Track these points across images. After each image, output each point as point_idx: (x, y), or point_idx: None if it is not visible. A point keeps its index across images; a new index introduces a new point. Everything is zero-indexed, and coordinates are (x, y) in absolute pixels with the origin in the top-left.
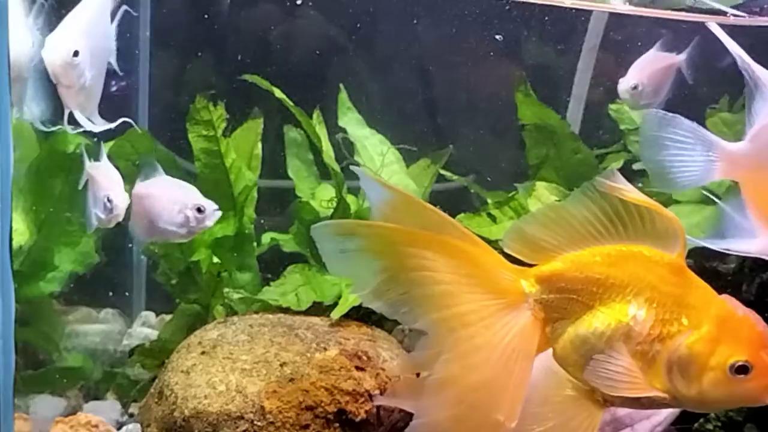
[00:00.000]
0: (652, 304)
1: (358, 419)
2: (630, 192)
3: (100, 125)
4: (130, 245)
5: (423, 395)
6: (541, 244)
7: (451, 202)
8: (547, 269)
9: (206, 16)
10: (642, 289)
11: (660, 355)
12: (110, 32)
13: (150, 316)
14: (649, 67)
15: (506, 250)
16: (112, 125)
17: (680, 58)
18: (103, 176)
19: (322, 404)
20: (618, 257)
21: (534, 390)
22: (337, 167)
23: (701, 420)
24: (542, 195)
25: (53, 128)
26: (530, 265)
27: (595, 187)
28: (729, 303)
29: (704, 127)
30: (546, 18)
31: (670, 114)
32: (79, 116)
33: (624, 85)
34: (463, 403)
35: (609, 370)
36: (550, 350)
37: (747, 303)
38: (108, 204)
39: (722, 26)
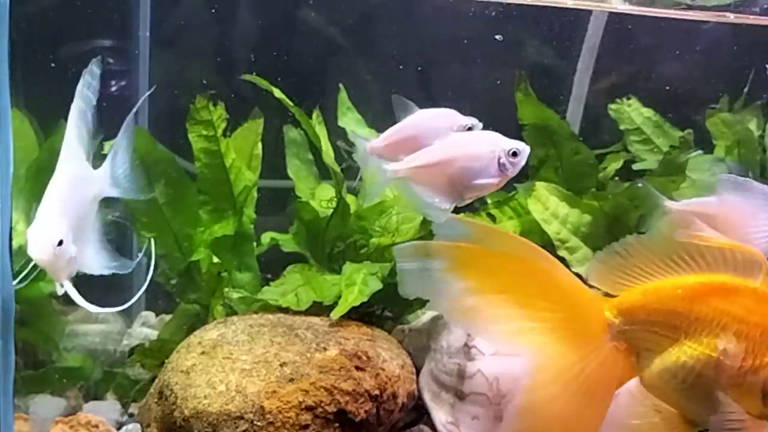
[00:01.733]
0: (740, 336)
1: (358, 419)
2: (708, 237)
3: (94, 308)
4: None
5: (503, 421)
6: (623, 275)
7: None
8: (628, 300)
9: (206, 16)
10: (729, 323)
11: (754, 385)
12: (85, 195)
13: (150, 316)
14: None
15: (589, 281)
16: (109, 310)
17: None
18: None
19: (322, 404)
20: (700, 291)
21: (622, 417)
22: (336, 167)
23: None
24: (542, 195)
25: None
26: (611, 296)
27: (674, 227)
28: None
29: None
30: (546, 18)
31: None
32: (71, 291)
33: None
34: (540, 430)
35: (732, 428)
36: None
37: None
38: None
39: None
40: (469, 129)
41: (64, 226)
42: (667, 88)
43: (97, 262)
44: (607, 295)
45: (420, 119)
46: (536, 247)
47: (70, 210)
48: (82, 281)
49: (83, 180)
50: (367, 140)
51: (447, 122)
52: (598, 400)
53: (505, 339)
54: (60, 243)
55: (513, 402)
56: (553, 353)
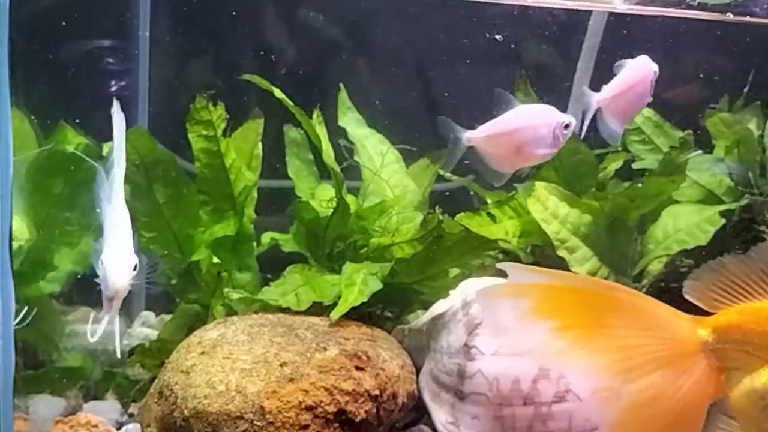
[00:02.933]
0: None
1: (357, 419)
2: None
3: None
4: None
5: None
6: (721, 293)
7: (451, 202)
8: (725, 319)
9: (206, 15)
10: None
11: None
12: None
13: (150, 316)
14: None
15: (687, 297)
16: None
17: None
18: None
19: (322, 404)
20: None
21: None
22: (336, 167)
23: None
24: (542, 195)
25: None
26: (707, 314)
27: None
28: None
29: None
30: (546, 18)
31: None
32: (107, 326)
33: None
34: None
35: None
36: None
37: None
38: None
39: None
40: (566, 126)
41: (134, 255)
42: (667, 88)
43: None
44: (703, 313)
45: (519, 114)
46: (617, 285)
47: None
48: (82, 280)
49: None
50: (464, 131)
51: (546, 119)
52: (693, 417)
53: (602, 370)
54: (135, 268)
55: (608, 422)
56: (649, 375)
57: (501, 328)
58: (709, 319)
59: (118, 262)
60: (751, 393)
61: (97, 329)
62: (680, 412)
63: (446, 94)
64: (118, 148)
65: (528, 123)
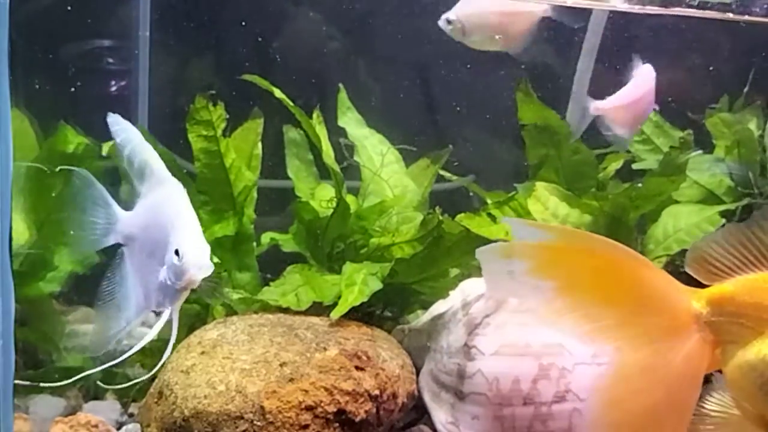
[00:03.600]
0: None
1: (357, 419)
2: None
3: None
4: None
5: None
6: (718, 265)
7: (451, 202)
8: (718, 291)
9: (206, 15)
10: None
11: None
12: None
13: (150, 316)
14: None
15: (686, 269)
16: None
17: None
18: None
19: (322, 404)
20: None
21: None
22: (336, 167)
23: None
24: (542, 195)
25: None
26: (702, 286)
27: None
28: None
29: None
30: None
31: None
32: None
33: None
34: (625, 427)
35: None
36: None
37: None
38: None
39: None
40: None
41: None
42: (667, 87)
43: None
44: (701, 285)
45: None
46: (617, 243)
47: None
48: (82, 280)
49: None
50: (592, 100)
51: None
52: (685, 391)
53: (596, 336)
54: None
55: (599, 395)
56: (642, 346)
57: (500, 288)
58: (704, 291)
59: (199, 251)
60: (743, 366)
61: (158, 323)
62: (672, 385)
63: (447, 94)
64: (140, 145)
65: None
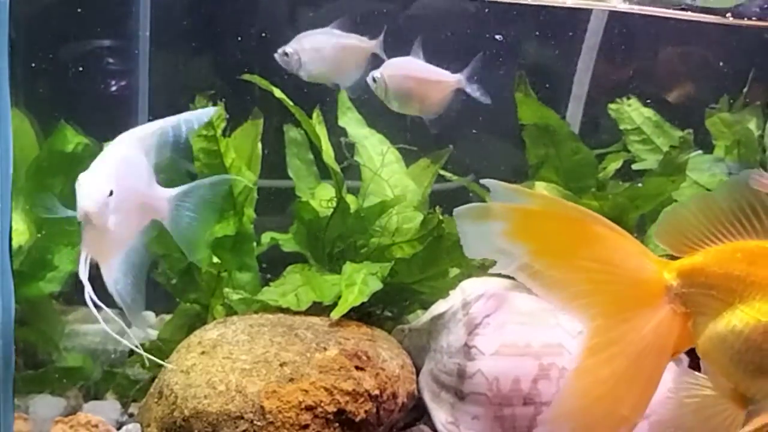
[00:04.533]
0: None
1: (357, 419)
2: None
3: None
4: None
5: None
6: (687, 235)
7: (451, 202)
8: (689, 262)
9: (206, 15)
10: None
11: None
12: (141, 172)
13: (150, 316)
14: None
15: (655, 241)
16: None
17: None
18: None
19: (322, 404)
20: (761, 255)
21: (670, 391)
22: (336, 167)
23: None
24: None
25: None
26: (673, 258)
27: (744, 182)
28: None
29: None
30: (546, 18)
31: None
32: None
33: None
34: (590, 395)
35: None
36: None
37: None
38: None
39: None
40: None
41: (115, 182)
42: (667, 87)
43: (118, 271)
44: (673, 257)
45: None
46: (594, 213)
47: (123, 178)
48: (80, 281)
49: (141, 175)
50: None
51: None
52: (653, 362)
53: (567, 303)
54: (111, 194)
55: (572, 364)
56: (612, 315)
57: (478, 249)
58: (675, 263)
59: (92, 179)
60: (714, 338)
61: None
62: (640, 355)
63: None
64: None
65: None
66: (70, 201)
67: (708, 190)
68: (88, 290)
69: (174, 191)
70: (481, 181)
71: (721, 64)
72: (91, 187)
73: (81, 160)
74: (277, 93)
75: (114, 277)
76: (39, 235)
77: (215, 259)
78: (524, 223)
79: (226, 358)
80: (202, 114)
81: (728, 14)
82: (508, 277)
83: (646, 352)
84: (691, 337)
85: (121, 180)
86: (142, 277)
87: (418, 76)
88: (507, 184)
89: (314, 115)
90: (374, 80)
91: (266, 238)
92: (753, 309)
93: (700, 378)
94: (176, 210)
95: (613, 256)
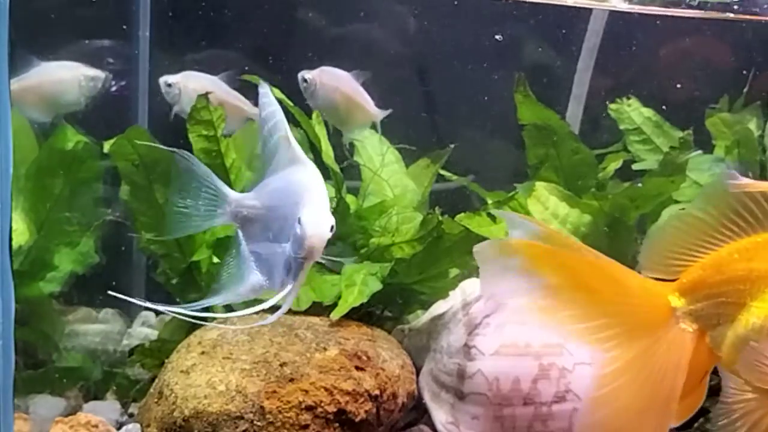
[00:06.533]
0: None
1: (357, 419)
2: (757, 185)
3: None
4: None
5: (581, 413)
6: (675, 257)
7: (451, 202)
8: (689, 280)
9: (206, 15)
10: None
11: None
12: None
13: (150, 316)
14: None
15: (643, 272)
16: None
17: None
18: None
19: (322, 404)
20: (756, 249)
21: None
22: (336, 167)
23: (701, 419)
24: (542, 195)
25: None
26: (673, 280)
27: (721, 189)
28: None
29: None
30: (546, 18)
31: None
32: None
33: None
34: (610, 424)
35: (760, 362)
36: None
37: None
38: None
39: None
40: None
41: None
42: (667, 87)
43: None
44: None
45: None
46: (594, 250)
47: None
48: (82, 280)
49: None
50: None
51: None
52: (669, 384)
53: (583, 335)
54: (332, 229)
55: (590, 394)
56: (623, 345)
57: (496, 285)
58: (675, 284)
59: (319, 220)
60: (736, 342)
61: (280, 294)
62: (656, 380)
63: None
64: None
65: None
66: (71, 201)
67: None
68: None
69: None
70: (499, 213)
71: (721, 63)
72: (322, 225)
73: (81, 160)
74: (277, 93)
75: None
76: (39, 235)
77: (215, 259)
78: (542, 258)
79: (226, 358)
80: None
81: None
82: None
83: (661, 375)
84: (712, 353)
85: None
86: None
87: (347, 94)
88: (523, 216)
89: (314, 115)
90: (305, 80)
91: None
92: (766, 302)
93: (740, 383)
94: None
95: (620, 288)
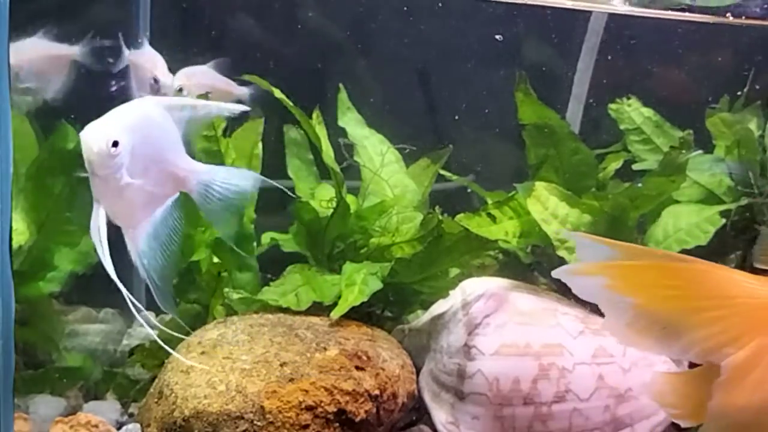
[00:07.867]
0: None
1: (357, 419)
2: None
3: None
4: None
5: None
6: None
7: (451, 202)
8: None
9: (206, 15)
10: None
11: None
12: (169, 137)
13: (150, 316)
14: (35, 53)
15: (756, 265)
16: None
17: (75, 50)
18: (146, 59)
19: (322, 404)
20: None
21: None
22: (336, 167)
23: None
24: (542, 195)
25: None
26: None
27: None
28: None
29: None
30: (546, 18)
31: None
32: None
33: None
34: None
35: None
36: None
37: None
38: (154, 84)
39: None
40: None
41: (124, 134)
42: (667, 87)
43: (144, 242)
44: None
45: None
46: (683, 255)
47: (138, 138)
48: (82, 280)
49: (169, 141)
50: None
51: None
52: None
53: (689, 349)
54: (115, 144)
55: (712, 400)
56: (733, 343)
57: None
58: None
59: (96, 127)
60: None
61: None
62: None
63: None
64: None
65: None
66: (70, 201)
67: (708, 190)
68: (104, 250)
69: (205, 166)
70: (564, 234)
71: (721, 63)
72: (94, 133)
73: (81, 159)
74: (277, 93)
75: (139, 247)
76: (39, 235)
77: (215, 259)
78: (625, 276)
79: (226, 358)
80: (231, 107)
81: (728, 14)
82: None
83: None
84: None
85: (140, 136)
86: (172, 253)
87: (214, 86)
88: (593, 237)
89: (314, 116)
90: (180, 91)
91: (266, 238)
92: None
93: None
94: (206, 185)
95: (723, 288)
